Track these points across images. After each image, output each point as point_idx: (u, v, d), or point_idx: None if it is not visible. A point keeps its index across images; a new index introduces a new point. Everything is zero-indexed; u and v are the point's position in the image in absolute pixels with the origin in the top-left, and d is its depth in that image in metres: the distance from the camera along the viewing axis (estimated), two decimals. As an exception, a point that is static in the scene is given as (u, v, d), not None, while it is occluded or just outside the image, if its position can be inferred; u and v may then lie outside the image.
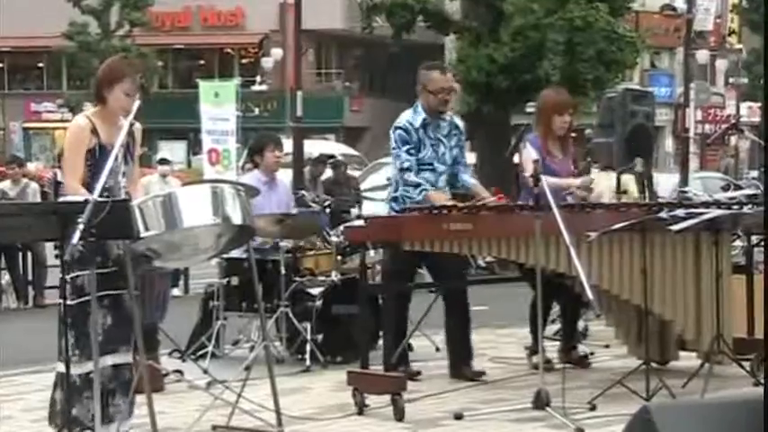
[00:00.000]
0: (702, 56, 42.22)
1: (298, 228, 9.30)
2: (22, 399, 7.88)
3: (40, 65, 50.00)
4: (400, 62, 41.57)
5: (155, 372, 7.33)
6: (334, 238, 9.64)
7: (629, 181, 10.13)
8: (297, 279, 9.29)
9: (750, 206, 8.15)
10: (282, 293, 9.00)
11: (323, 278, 9.37)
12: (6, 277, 14.35)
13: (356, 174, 21.27)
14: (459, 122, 8.60)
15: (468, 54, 22.19)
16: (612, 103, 9.34)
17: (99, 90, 6.41)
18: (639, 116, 9.17)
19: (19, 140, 48.74)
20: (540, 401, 6.97)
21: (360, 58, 50.01)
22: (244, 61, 48.64)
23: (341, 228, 9.63)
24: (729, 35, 50.10)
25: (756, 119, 43.83)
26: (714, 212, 7.70)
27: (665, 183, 21.45)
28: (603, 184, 9.77)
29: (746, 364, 7.88)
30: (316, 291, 9.19)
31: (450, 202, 7.84)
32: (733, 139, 41.32)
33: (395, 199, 8.30)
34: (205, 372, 8.18)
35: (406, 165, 8.25)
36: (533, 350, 8.39)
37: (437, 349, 9.26)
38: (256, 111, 42.03)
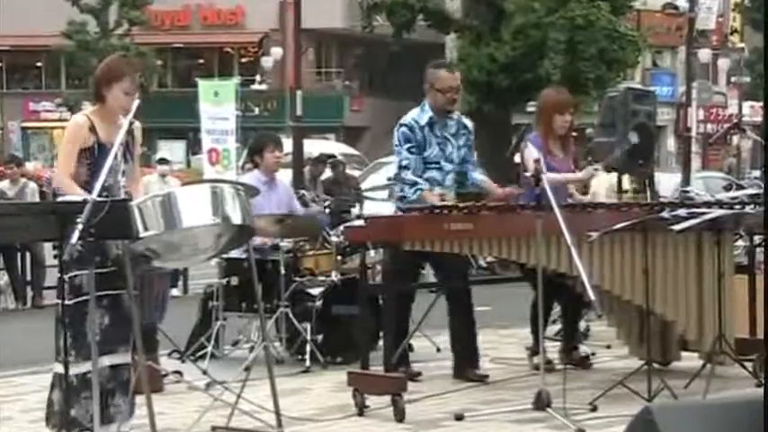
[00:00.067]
0: (704, 55, 42.22)
1: (298, 228, 9.27)
2: (21, 400, 7.86)
3: (39, 64, 49.97)
4: (401, 61, 41.60)
5: (154, 372, 7.31)
6: (334, 238, 9.61)
7: (623, 179, 10.09)
8: (297, 279, 9.26)
9: (752, 206, 8.12)
10: (282, 294, 8.98)
11: (323, 278, 9.35)
12: (5, 278, 14.32)
13: (356, 173, 21.25)
14: (468, 122, 8.56)
15: (468, 53, 22.19)
16: (614, 102, 9.30)
17: (98, 89, 6.40)
18: (641, 115, 9.13)
19: (17, 140, 48.71)
20: (541, 402, 6.95)
21: (360, 58, 50.00)
22: (243, 60, 48.63)
23: (341, 228, 9.60)
24: (731, 34, 50.12)
25: (758, 118, 43.77)
26: (716, 212, 7.69)
27: (667, 182, 21.42)
28: (600, 183, 9.76)
29: (749, 365, 7.86)
30: (316, 291, 9.17)
31: (446, 202, 7.80)
32: (735, 139, 41.33)
33: (402, 198, 8.24)
34: (204, 372, 8.16)
35: (404, 163, 8.22)
36: (534, 351, 8.36)
37: (438, 350, 9.24)
38: (256, 110, 42.04)
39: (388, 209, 10.15)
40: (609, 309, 7.97)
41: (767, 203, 6.37)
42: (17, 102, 48.92)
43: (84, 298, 5.99)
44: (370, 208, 12.18)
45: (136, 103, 6.27)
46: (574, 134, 9.05)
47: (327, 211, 12.44)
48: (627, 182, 9.50)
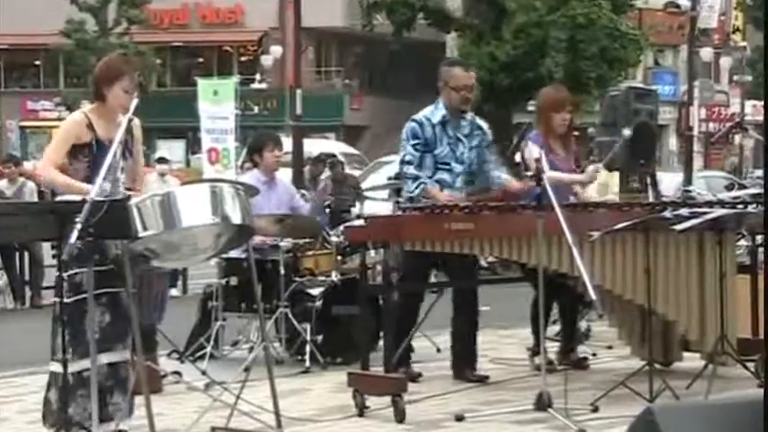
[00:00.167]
0: (706, 53, 42.24)
1: (298, 227, 9.24)
2: (19, 400, 7.83)
3: (37, 63, 49.94)
4: (401, 60, 41.64)
5: (153, 373, 7.29)
6: (334, 238, 9.58)
7: (609, 177, 10.05)
8: (296, 279, 9.24)
9: (754, 205, 8.09)
10: (282, 294, 8.95)
11: (323, 278, 9.32)
12: (3, 277, 14.29)
13: (356, 173, 21.21)
14: (482, 123, 8.45)
15: (469, 52, 22.19)
16: (615, 101, 9.27)
17: (98, 88, 6.39)
18: (643, 114, 9.10)
19: (16, 139, 48.71)
20: (542, 403, 6.92)
21: (360, 56, 49.99)
22: (243, 59, 48.60)
23: (341, 228, 9.57)
24: (733, 32, 50.15)
25: (761, 117, 43.75)
26: (718, 212, 7.66)
27: (669, 182, 21.40)
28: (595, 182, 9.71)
29: (751, 365, 7.83)
30: (315, 291, 9.14)
31: (451, 201, 7.77)
32: (737, 138, 41.31)
33: (411, 200, 8.16)
34: (204, 373, 8.13)
35: (407, 158, 8.17)
36: (535, 351, 8.34)
37: (438, 350, 9.21)
38: (256, 109, 41.99)
39: (387, 208, 10.13)
40: (610, 309, 7.94)
41: (767, 203, 6.33)
42: (15, 101, 48.92)
43: (84, 296, 5.97)
44: (371, 207, 12.15)
45: (135, 101, 6.25)
46: (575, 133, 9.01)
47: (327, 210, 12.42)
48: (618, 181, 9.41)
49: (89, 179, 6.08)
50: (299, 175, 21.92)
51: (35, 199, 13.73)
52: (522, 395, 7.43)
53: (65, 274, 5.91)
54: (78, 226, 5.47)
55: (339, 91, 48.89)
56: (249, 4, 46.81)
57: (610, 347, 9.20)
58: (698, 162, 36.60)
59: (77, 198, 5.89)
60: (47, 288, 13.42)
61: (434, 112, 8.25)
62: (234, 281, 9.20)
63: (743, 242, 9.01)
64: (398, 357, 7.72)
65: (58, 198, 6.45)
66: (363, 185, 17.14)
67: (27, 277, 14.32)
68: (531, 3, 21.43)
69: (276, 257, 9.01)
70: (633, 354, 8.21)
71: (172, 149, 31.40)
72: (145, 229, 5.99)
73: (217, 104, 17.23)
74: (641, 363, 7.61)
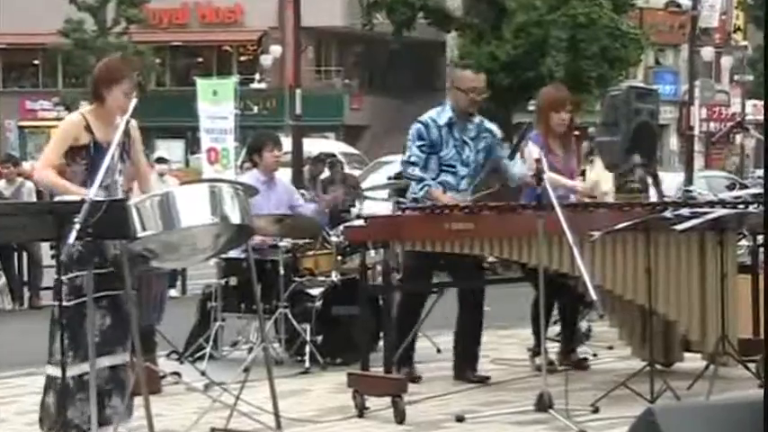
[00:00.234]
0: (707, 53, 42.25)
1: (297, 227, 9.22)
2: (17, 401, 7.81)
3: (36, 62, 49.91)
4: (401, 59, 41.62)
5: (152, 374, 7.27)
6: (334, 238, 9.56)
7: (602, 176, 10.01)
8: (296, 279, 9.21)
9: (755, 205, 8.07)
10: (282, 294, 8.93)
11: (323, 278, 9.30)
12: (2, 278, 14.27)
13: (356, 173, 21.21)
14: (492, 126, 8.35)
15: (469, 51, 22.19)
16: (616, 100, 9.23)
17: (97, 90, 6.36)
18: (644, 114, 9.07)
19: (14, 139, 48.70)
20: (543, 404, 6.91)
21: (360, 56, 49.99)
22: (242, 59, 48.58)
23: (341, 228, 9.55)
24: (734, 32, 50.16)
25: (762, 117, 43.77)
26: (719, 212, 7.64)
27: (670, 181, 21.36)
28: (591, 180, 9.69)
29: (752, 366, 7.81)
30: (315, 291, 9.12)
31: (453, 202, 7.74)
32: (738, 138, 41.33)
33: (415, 200, 8.13)
34: (203, 374, 8.10)
35: (412, 159, 8.14)
36: (536, 351, 8.32)
37: (438, 351, 9.19)
38: (255, 109, 41.99)
39: (387, 208, 10.10)
40: (611, 309, 7.92)
41: (767, 203, 6.30)
42: (14, 100, 48.87)
43: (84, 299, 5.94)
44: (371, 207, 12.13)
45: (133, 102, 6.23)
46: (576, 133, 8.99)
47: (327, 210, 12.40)
48: (610, 181, 9.35)
49: (87, 182, 6.05)
50: (299, 174, 21.91)
51: (33, 199, 13.69)
52: (523, 396, 7.41)
53: (65, 277, 5.90)
54: (77, 226, 5.45)
55: (339, 91, 48.88)
56: (249, 4, 46.79)
57: (610, 348, 9.19)
58: (699, 162, 36.62)
59: (76, 198, 5.87)
60: (45, 289, 13.39)
61: (441, 114, 8.21)
62: (233, 281, 9.18)
63: (744, 242, 8.99)
64: (401, 358, 7.71)
65: (57, 198, 6.42)
66: (363, 185, 17.14)
67: (25, 278, 14.29)
68: (532, 2, 21.43)
69: (276, 257, 8.98)
70: (634, 354, 8.20)
71: (171, 149, 31.37)
72: (144, 229, 5.97)
73: (216, 104, 17.20)
74: (642, 363, 7.60)
